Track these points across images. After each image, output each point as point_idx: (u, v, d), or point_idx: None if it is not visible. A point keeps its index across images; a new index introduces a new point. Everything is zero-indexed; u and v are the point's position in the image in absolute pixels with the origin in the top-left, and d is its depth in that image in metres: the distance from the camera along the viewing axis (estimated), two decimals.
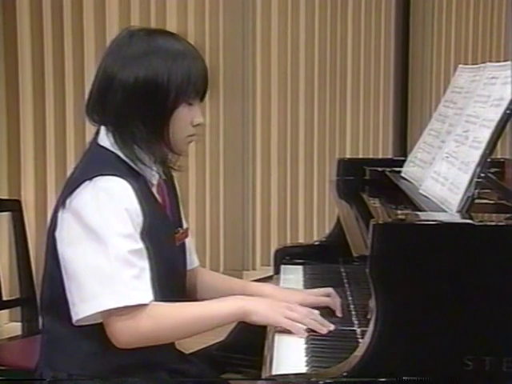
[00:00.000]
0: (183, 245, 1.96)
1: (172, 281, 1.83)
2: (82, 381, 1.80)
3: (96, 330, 1.76)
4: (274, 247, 2.69)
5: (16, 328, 2.93)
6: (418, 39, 5.41)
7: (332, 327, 1.77)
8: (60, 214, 1.77)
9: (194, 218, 4.29)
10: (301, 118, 4.79)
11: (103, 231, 1.70)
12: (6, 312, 3.38)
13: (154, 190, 1.86)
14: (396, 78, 5.32)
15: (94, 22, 3.78)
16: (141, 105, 1.77)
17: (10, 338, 2.89)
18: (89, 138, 3.74)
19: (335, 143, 5.02)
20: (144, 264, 1.73)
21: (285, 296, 1.94)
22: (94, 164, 1.80)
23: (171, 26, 4.03)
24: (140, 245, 1.74)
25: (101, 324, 1.74)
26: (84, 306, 1.71)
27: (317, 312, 1.81)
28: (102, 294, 1.69)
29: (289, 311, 1.77)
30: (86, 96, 1.88)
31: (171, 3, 4.11)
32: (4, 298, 2.75)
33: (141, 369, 1.81)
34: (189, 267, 2.04)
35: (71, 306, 1.74)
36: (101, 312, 1.70)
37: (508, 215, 1.62)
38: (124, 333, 1.71)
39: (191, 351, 2.14)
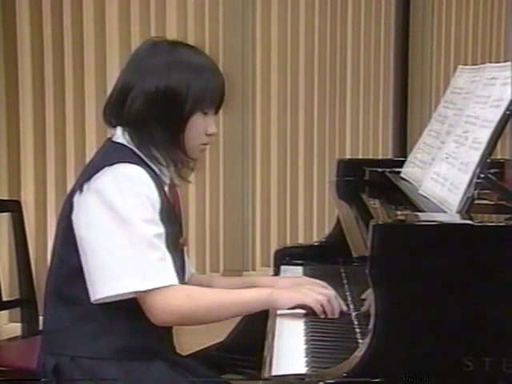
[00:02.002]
0: (182, 253, 1.98)
1: None
2: (83, 363, 1.82)
3: (97, 312, 1.79)
4: (273, 248, 2.69)
5: (16, 329, 2.93)
6: (417, 39, 5.40)
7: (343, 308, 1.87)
8: (76, 198, 1.81)
9: (194, 218, 4.28)
10: (300, 118, 4.79)
11: (127, 214, 1.74)
12: (5, 313, 3.39)
13: (166, 189, 1.91)
14: (396, 78, 5.31)
15: (94, 22, 3.79)
16: (160, 110, 1.84)
17: (10, 339, 2.89)
18: (89, 138, 3.79)
19: (335, 144, 5.01)
20: (164, 247, 1.79)
21: (284, 284, 2.00)
22: (113, 153, 1.85)
23: (171, 27, 4.03)
24: (162, 229, 1.79)
25: (102, 306, 1.77)
26: (108, 285, 1.74)
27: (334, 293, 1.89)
28: (129, 275, 1.74)
29: (311, 291, 1.85)
30: (104, 100, 1.95)
31: (171, 4, 4.11)
32: (4, 299, 2.76)
33: (141, 354, 1.83)
34: (188, 277, 2.06)
35: (89, 286, 1.77)
36: (130, 293, 1.74)
37: (508, 216, 1.62)
38: (164, 311, 1.76)
39: (191, 352, 2.15)
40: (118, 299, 1.75)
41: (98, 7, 3.79)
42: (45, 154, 3.67)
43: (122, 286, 1.74)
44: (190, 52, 1.92)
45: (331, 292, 1.89)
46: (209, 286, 2.07)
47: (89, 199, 1.78)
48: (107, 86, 3.61)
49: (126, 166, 1.79)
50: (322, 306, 1.82)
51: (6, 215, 2.92)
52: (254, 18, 4.52)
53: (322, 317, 1.82)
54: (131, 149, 1.85)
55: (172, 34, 3.79)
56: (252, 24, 4.51)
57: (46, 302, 1.94)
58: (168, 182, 1.92)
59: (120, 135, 1.88)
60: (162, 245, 1.78)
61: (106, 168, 1.78)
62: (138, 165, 1.80)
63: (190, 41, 4.15)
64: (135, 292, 1.75)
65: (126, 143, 1.86)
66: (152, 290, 1.74)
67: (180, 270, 1.92)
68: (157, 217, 1.79)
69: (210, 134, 1.92)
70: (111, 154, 1.84)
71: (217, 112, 1.94)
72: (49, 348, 1.88)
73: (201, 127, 1.89)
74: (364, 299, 1.84)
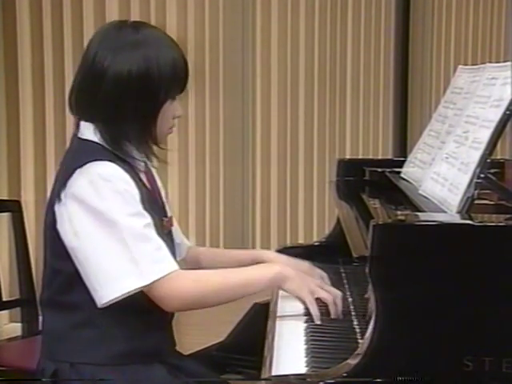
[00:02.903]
0: (170, 234, 1.96)
1: None
2: (83, 369, 1.81)
3: (96, 318, 1.78)
4: (273, 248, 2.69)
5: (16, 328, 2.93)
6: (417, 39, 5.40)
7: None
8: (57, 208, 1.77)
9: (194, 217, 4.29)
10: (300, 119, 4.79)
11: (111, 215, 1.71)
12: (5, 313, 3.39)
13: (143, 176, 1.88)
14: (396, 78, 5.31)
15: (94, 21, 3.79)
16: (133, 101, 1.78)
17: (10, 339, 2.89)
18: None
19: (335, 144, 5.01)
20: (156, 235, 1.76)
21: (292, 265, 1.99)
22: (82, 153, 1.80)
23: (171, 25, 4.03)
24: (149, 218, 1.76)
25: (100, 311, 1.75)
26: (111, 289, 1.72)
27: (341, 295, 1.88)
28: (128, 274, 1.71)
29: (319, 289, 1.83)
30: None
31: (171, 3, 4.11)
32: (4, 299, 2.76)
33: (140, 357, 1.82)
34: (183, 254, 2.07)
35: (93, 292, 1.74)
36: (135, 290, 1.71)
37: (508, 216, 1.62)
38: (173, 298, 1.75)
39: (191, 352, 2.15)
40: (123, 298, 1.72)
41: (98, 3, 3.79)
42: (45, 154, 3.67)
43: (125, 287, 1.71)
44: (154, 31, 1.86)
45: (338, 293, 1.88)
46: (212, 260, 2.08)
47: (69, 208, 1.74)
48: None
49: (97, 164, 1.74)
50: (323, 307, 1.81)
51: (6, 215, 2.92)
52: (254, 17, 4.52)
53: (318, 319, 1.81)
54: (100, 144, 1.80)
55: (172, 32, 3.78)
56: (252, 22, 4.51)
57: (42, 308, 1.93)
58: (142, 168, 1.88)
59: (86, 131, 1.82)
60: (153, 233, 1.75)
61: (78, 170, 1.74)
62: (110, 160, 1.76)
63: (190, 40, 4.16)
64: (139, 288, 1.72)
65: (95, 139, 1.80)
66: (155, 281, 1.71)
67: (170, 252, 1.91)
68: (140, 207, 1.75)
69: (178, 117, 1.88)
70: (81, 154, 1.79)
71: (181, 92, 1.88)
72: (48, 354, 1.87)
73: (170, 113, 1.84)
74: (367, 298, 1.84)
